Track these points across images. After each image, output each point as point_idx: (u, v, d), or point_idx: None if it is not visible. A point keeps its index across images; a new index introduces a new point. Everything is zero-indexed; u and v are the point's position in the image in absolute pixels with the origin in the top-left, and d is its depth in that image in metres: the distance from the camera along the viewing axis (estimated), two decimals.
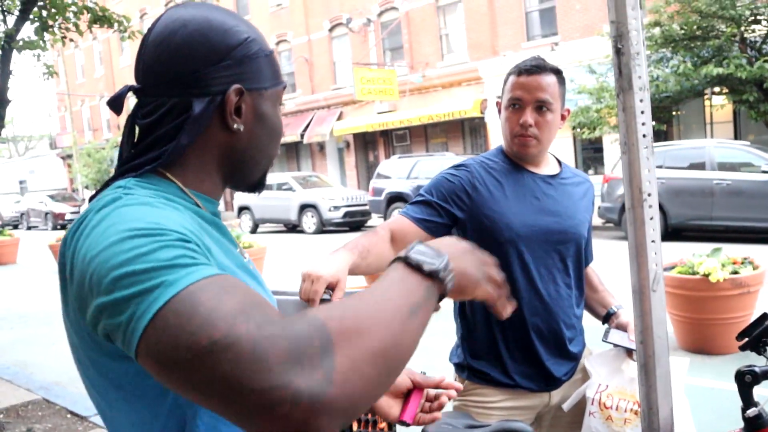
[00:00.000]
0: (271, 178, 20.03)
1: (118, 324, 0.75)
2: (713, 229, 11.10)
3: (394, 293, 0.80)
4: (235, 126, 0.98)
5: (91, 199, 0.95)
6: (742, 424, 1.71)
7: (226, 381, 0.67)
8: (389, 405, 1.25)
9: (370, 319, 0.74)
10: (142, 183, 0.94)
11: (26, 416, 4.75)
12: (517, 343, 1.93)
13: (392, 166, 17.64)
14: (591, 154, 19.60)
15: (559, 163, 2.10)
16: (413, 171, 16.75)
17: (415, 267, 0.83)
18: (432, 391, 1.30)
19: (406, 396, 1.27)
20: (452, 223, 1.92)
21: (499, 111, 2.00)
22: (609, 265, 8.93)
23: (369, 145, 26.00)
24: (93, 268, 0.78)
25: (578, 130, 15.98)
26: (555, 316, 1.93)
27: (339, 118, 25.54)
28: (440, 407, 1.28)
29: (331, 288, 1.43)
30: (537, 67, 1.89)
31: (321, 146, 26.91)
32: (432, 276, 0.83)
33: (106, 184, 0.96)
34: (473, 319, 1.97)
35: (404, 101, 23.00)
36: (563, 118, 1.98)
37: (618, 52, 1.70)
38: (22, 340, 7.36)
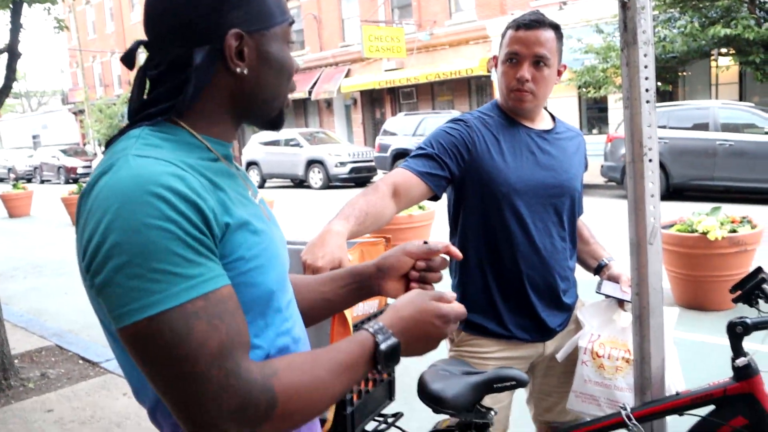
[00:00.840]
0: (279, 133, 19.94)
1: (111, 304, 0.83)
2: (714, 189, 11.04)
3: (345, 370, 0.95)
4: (239, 70, 0.98)
5: (107, 145, 0.97)
6: (732, 374, 1.73)
7: (184, 404, 0.84)
8: (396, 289, 1.24)
9: (316, 391, 0.91)
10: (155, 132, 0.95)
11: (40, 361, 4.83)
12: (513, 295, 1.94)
13: (398, 123, 17.52)
14: (595, 113, 19.42)
15: (553, 118, 2.09)
16: (419, 128, 16.65)
17: (377, 356, 0.97)
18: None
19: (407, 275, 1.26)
20: (450, 180, 1.91)
21: (496, 65, 1.98)
22: (610, 222, 8.95)
23: (376, 102, 25.79)
24: (99, 239, 0.83)
25: (584, 89, 15.82)
26: (550, 269, 1.94)
27: (347, 76, 25.28)
28: (442, 266, 1.25)
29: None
30: (535, 22, 1.87)
31: (328, 103, 26.71)
32: (382, 365, 0.98)
33: (121, 132, 0.97)
34: (468, 272, 1.97)
35: (411, 59, 22.73)
36: (559, 74, 1.96)
37: (624, 6, 1.67)
38: (36, 289, 7.45)
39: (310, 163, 18.36)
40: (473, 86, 22.14)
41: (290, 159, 18.79)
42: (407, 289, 1.24)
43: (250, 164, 19.92)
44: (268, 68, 1.02)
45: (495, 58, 1.99)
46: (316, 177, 18.29)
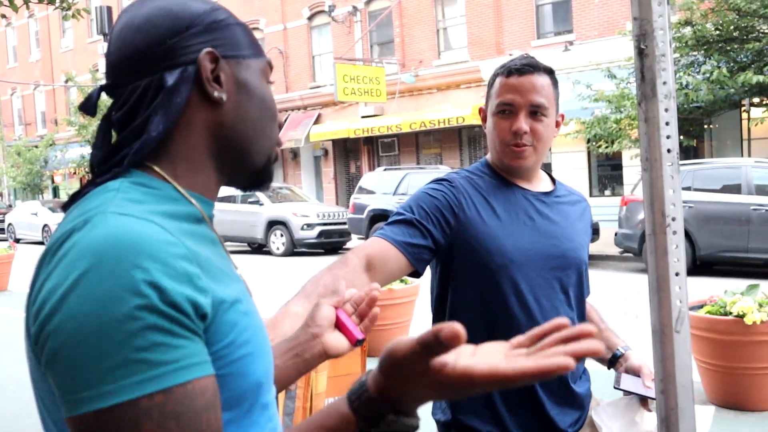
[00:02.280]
0: (234, 189, 19.95)
1: (61, 386, 0.82)
2: (749, 262, 11.16)
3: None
4: (216, 94, 1.01)
5: (71, 201, 0.98)
6: None
7: None
8: (337, 340, 1.31)
9: None
10: (136, 185, 0.96)
11: None
12: (516, 390, 1.90)
13: (377, 180, 17.65)
14: (608, 171, 19.75)
15: (552, 179, 2.12)
16: (401, 186, 16.77)
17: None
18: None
19: (336, 324, 1.34)
20: (435, 252, 1.91)
21: (484, 120, 2.01)
22: (627, 301, 8.97)
23: (351, 153, 26.04)
24: (56, 302, 0.83)
25: (594, 143, 16.10)
26: None
27: (317, 122, 25.60)
28: (370, 305, 1.35)
29: None
30: (528, 66, 1.90)
31: (294, 153, 26.92)
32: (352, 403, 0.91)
33: (91, 183, 0.98)
34: None
35: (393, 104, 23.10)
36: (558, 125, 2.00)
37: (641, 53, 1.72)
38: None
39: (272, 225, 18.36)
40: (465, 137, 22.51)
41: (248, 219, 18.79)
42: (346, 334, 1.31)
43: None
44: (248, 98, 1.05)
45: (482, 110, 2.02)
46: (278, 241, 18.25)
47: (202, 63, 1.00)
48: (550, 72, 1.95)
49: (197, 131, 1.02)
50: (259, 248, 19.41)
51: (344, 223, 18.11)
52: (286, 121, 26.10)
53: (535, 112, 1.90)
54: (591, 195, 19.30)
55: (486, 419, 1.91)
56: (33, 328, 0.86)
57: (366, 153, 25.20)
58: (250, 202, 18.99)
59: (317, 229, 17.76)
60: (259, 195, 18.93)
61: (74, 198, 0.98)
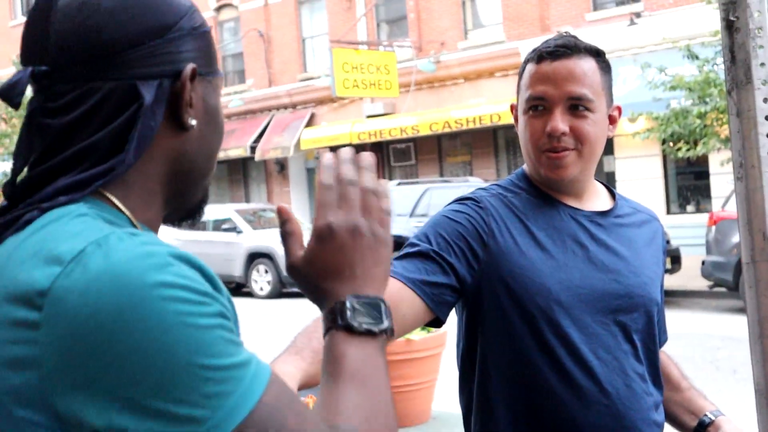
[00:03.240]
0: (205, 212, 20.01)
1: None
2: None
3: (377, 372, 1.05)
4: (190, 121, 1.05)
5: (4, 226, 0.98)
6: None
7: None
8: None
9: (379, 411, 1.02)
10: (96, 212, 0.97)
11: None
12: None
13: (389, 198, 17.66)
14: (691, 181, 19.69)
15: (612, 193, 2.11)
16: (420, 204, 16.77)
17: (364, 333, 1.06)
18: None
19: None
20: (459, 292, 1.90)
21: (516, 120, 2.02)
22: (719, 351, 8.85)
23: None
24: (114, 363, 0.86)
25: (671, 145, 16.05)
26: (631, 426, 1.90)
27: (309, 124, 25.71)
28: None
29: None
30: (564, 48, 1.90)
31: (281, 165, 27.00)
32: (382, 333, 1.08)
33: (40, 208, 0.97)
34: (497, 429, 1.94)
35: (408, 99, 23.17)
36: (613, 121, 2.00)
37: (730, 26, 1.71)
38: None
39: (253, 258, 18.40)
40: (501, 140, 22.47)
41: (222, 251, 18.81)
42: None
43: None
44: (212, 127, 1.11)
45: (513, 107, 2.02)
46: (261, 279, 18.28)
47: (186, 81, 1.03)
48: (596, 53, 1.95)
49: (158, 159, 1.05)
50: (237, 288, 19.41)
51: None
52: (269, 123, 26.23)
53: (576, 106, 1.89)
54: (669, 212, 19.26)
55: None
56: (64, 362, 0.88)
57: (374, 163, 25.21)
58: (225, 230, 19.03)
59: None
60: (237, 221, 18.98)
61: (5, 226, 0.98)
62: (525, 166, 2.06)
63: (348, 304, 1.05)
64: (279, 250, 17.73)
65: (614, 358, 1.90)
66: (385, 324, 1.08)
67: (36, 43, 1.02)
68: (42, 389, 0.88)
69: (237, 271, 18.64)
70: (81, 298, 0.86)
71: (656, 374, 2.02)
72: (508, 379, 1.92)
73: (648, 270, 2.01)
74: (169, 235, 19.57)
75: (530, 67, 1.94)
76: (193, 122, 1.05)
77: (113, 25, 0.99)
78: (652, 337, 2.01)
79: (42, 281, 0.88)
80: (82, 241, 0.90)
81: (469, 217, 1.92)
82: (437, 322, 1.89)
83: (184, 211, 1.17)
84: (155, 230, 1.08)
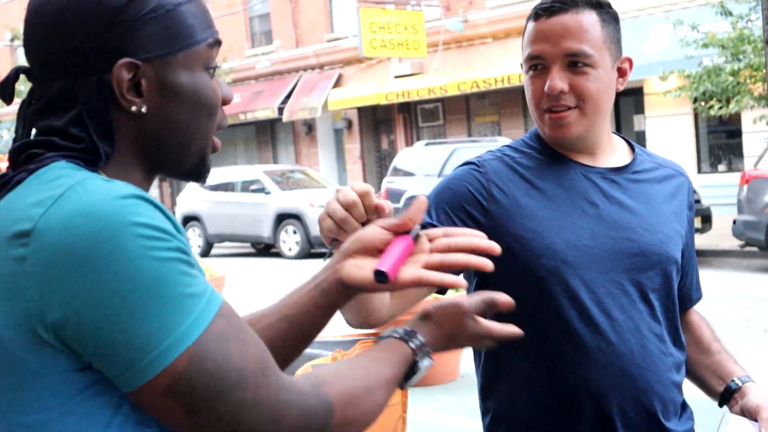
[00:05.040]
0: (233, 173, 20.08)
1: (124, 359, 1.03)
2: None
3: (389, 383, 1.28)
4: (134, 108, 1.15)
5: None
6: None
7: None
8: (358, 267, 1.33)
9: (369, 401, 1.23)
10: (76, 168, 1.11)
11: None
12: (589, 431, 1.87)
13: (417, 158, 17.63)
14: (723, 140, 19.56)
15: (631, 147, 2.06)
16: (448, 164, 16.70)
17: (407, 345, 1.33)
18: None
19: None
20: None
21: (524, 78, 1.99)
22: (750, 310, 8.80)
23: (381, 125, 26.08)
24: (84, 287, 1.01)
25: (702, 104, 15.89)
26: (645, 387, 1.87)
27: (337, 85, 25.71)
28: (457, 262, 1.40)
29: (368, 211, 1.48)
30: (561, 3, 1.86)
31: (309, 126, 27.04)
32: (415, 353, 1.33)
33: (23, 169, 1.13)
34: (509, 400, 1.93)
35: (436, 59, 23.08)
36: (622, 73, 1.96)
37: None
38: None
39: (281, 219, 18.46)
40: None
41: (250, 212, 18.91)
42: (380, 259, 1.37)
43: (189, 219, 20.05)
44: (177, 103, 1.19)
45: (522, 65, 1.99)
46: (289, 240, 18.35)
47: (117, 75, 1.13)
48: (597, 5, 1.90)
49: (126, 139, 1.18)
50: (266, 249, 19.53)
51: None
52: (297, 84, 26.22)
53: (575, 62, 1.86)
54: (700, 172, 19.17)
55: None
56: (48, 327, 1.03)
57: (402, 123, 25.22)
58: (253, 191, 19.10)
59: None
60: (265, 182, 19.04)
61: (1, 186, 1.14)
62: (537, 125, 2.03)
63: (425, 349, 1.35)
64: (308, 211, 17.83)
65: (629, 318, 1.88)
66: (418, 376, 1.35)
67: (24, 45, 1.19)
68: (27, 313, 1.03)
69: (266, 231, 18.72)
70: (59, 233, 1.01)
71: (676, 334, 1.98)
72: (519, 343, 1.87)
73: (666, 227, 1.97)
74: (200, 196, 19.72)
75: (529, 26, 1.92)
76: (142, 108, 1.15)
77: (53, 32, 1.13)
78: (671, 296, 1.96)
79: (28, 222, 1.03)
80: (62, 186, 1.05)
81: (468, 184, 1.92)
82: (441, 291, 1.85)
83: (182, 174, 1.28)
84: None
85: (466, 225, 1.85)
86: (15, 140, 1.18)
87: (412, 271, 1.32)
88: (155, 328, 1.00)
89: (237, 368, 1.06)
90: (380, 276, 1.28)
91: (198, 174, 1.28)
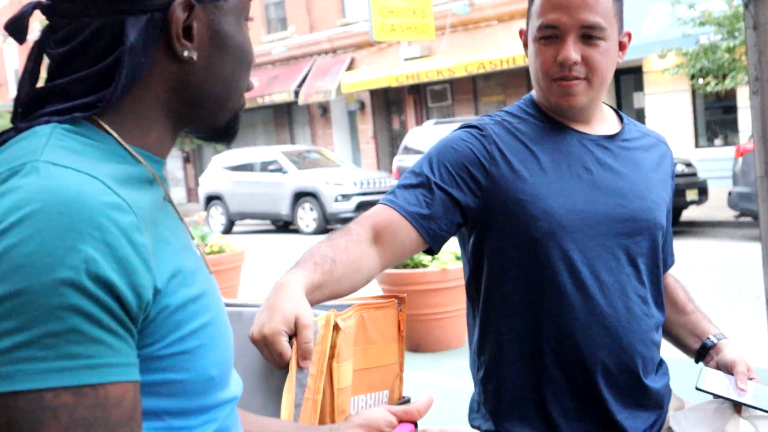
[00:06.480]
0: (253, 154, 20.03)
1: None
2: None
3: None
4: (186, 53, 1.02)
5: None
6: None
7: None
8: None
9: None
10: (71, 133, 0.96)
11: None
12: (572, 386, 1.88)
13: (426, 137, 17.53)
14: (719, 116, 19.35)
15: (620, 117, 2.06)
16: None
17: None
18: None
19: None
20: (462, 219, 1.88)
21: (525, 46, 1.96)
22: (745, 278, 8.76)
23: (393, 106, 25.94)
24: None
25: (700, 81, 15.74)
26: (628, 346, 1.88)
27: (349, 68, 25.55)
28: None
29: (291, 335, 1.44)
30: None
31: (324, 108, 26.93)
32: None
33: (15, 130, 0.99)
34: (500, 358, 1.93)
35: (443, 42, 22.90)
36: (622, 47, 1.94)
37: None
38: None
39: (299, 197, 18.40)
40: None
41: (269, 191, 18.86)
42: None
43: (212, 199, 20.02)
44: (224, 54, 1.07)
45: (523, 32, 1.96)
46: (307, 217, 18.31)
47: (174, 14, 1.00)
48: None
49: (156, 89, 1.04)
50: (284, 226, 19.49)
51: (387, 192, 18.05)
52: (311, 68, 26.09)
53: (589, 35, 1.82)
54: (697, 146, 18.98)
55: (536, 425, 1.90)
56: None
57: (412, 104, 25.08)
58: (272, 170, 19.03)
59: (355, 200, 17.72)
60: (283, 162, 18.96)
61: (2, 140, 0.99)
62: (534, 92, 2.01)
63: None
64: (324, 190, 17.80)
65: (616, 280, 1.88)
66: None
67: None
68: None
69: (284, 209, 18.67)
70: None
71: (659, 296, 1.99)
72: (511, 303, 1.90)
73: (654, 194, 1.97)
74: (221, 177, 19.70)
75: None
76: (193, 55, 1.03)
77: None
78: (656, 260, 1.97)
79: None
80: (7, 166, 0.90)
81: (471, 145, 1.90)
82: (429, 251, 1.89)
83: (210, 132, 1.16)
84: (159, 152, 1.07)
85: (467, 184, 1.86)
86: (22, 82, 1.03)
87: None
88: None
89: None
90: None
91: (228, 132, 1.16)
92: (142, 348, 0.92)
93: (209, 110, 1.10)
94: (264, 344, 1.42)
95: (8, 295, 0.82)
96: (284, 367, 1.43)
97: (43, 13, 1.02)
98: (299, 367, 1.43)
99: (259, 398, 1.48)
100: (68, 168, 0.89)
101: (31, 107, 1.01)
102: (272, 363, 1.44)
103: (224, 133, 1.16)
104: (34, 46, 1.04)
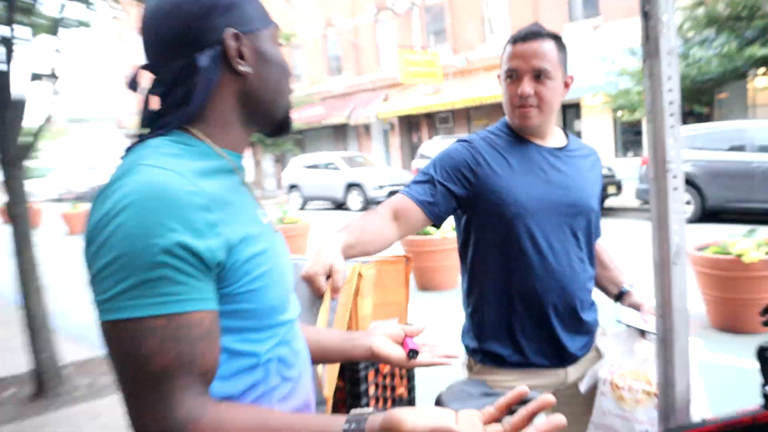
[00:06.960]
0: (319, 157, 20.13)
1: (95, 296, 0.88)
2: (752, 211, 10.67)
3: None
4: (242, 68, 1.01)
5: (127, 151, 0.99)
6: (762, 401, 1.60)
7: (127, 403, 0.87)
8: (387, 346, 1.31)
9: None
10: (173, 142, 0.97)
11: (88, 371, 4.93)
12: (532, 319, 1.85)
13: (435, 147, 17.50)
14: (631, 137, 19.13)
15: (566, 135, 2.00)
16: None
17: None
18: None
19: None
20: (456, 204, 1.85)
21: (500, 84, 1.91)
22: (644, 246, 8.69)
23: (413, 126, 25.83)
24: (103, 237, 0.86)
25: (618, 113, 15.57)
26: (570, 292, 1.85)
27: (384, 100, 25.43)
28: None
29: (327, 276, 1.45)
30: (532, 34, 1.78)
31: (367, 128, 26.86)
32: None
33: (140, 140, 0.99)
34: (483, 300, 1.90)
35: (447, 84, 22.75)
36: (567, 86, 1.88)
37: (645, 15, 1.58)
38: (89, 304, 7.56)
39: (349, 186, 18.44)
40: None
41: (330, 182, 18.91)
42: (404, 345, 1.33)
43: (292, 187, 20.13)
44: (269, 66, 1.05)
45: (499, 76, 1.92)
46: (355, 200, 18.34)
47: (227, 42, 0.99)
48: (555, 37, 1.82)
49: (227, 99, 1.02)
50: (339, 206, 19.55)
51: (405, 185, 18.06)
52: (358, 101, 26.03)
53: (539, 75, 1.78)
54: (616, 156, 18.71)
55: (507, 345, 1.88)
56: (85, 253, 0.90)
57: (426, 125, 24.96)
58: (332, 169, 19.08)
59: (387, 189, 17.75)
60: (338, 162, 19.02)
61: (128, 151, 0.99)
62: (506, 117, 1.96)
63: None
64: (366, 182, 17.80)
65: (563, 248, 1.85)
66: None
67: (143, 46, 1.03)
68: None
69: (339, 195, 18.72)
70: (107, 204, 0.87)
71: (591, 257, 1.96)
72: (490, 262, 1.87)
73: (589, 188, 1.92)
74: (298, 172, 19.79)
75: (508, 48, 1.83)
76: (248, 69, 1.02)
77: (171, 22, 0.98)
78: (589, 233, 1.93)
79: (100, 188, 0.92)
80: (125, 167, 0.91)
81: (462, 153, 1.87)
82: (435, 225, 1.87)
83: (272, 126, 1.10)
84: (240, 148, 1.06)
85: (460, 180, 1.83)
86: (142, 112, 1.02)
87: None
88: (112, 290, 0.85)
89: (140, 359, 0.85)
90: (413, 353, 1.31)
91: (284, 126, 1.11)
92: (222, 288, 0.92)
93: (268, 111, 1.07)
94: (309, 281, 1.44)
95: (119, 255, 0.84)
96: (321, 296, 1.44)
97: (147, 69, 1.03)
98: (332, 298, 1.45)
99: (308, 316, 1.48)
100: (159, 168, 0.89)
101: (148, 126, 1.02)
102: (315, 294, 1.45)
103: (282, 128, 1.11)
104: (145, 95, 1.04)
